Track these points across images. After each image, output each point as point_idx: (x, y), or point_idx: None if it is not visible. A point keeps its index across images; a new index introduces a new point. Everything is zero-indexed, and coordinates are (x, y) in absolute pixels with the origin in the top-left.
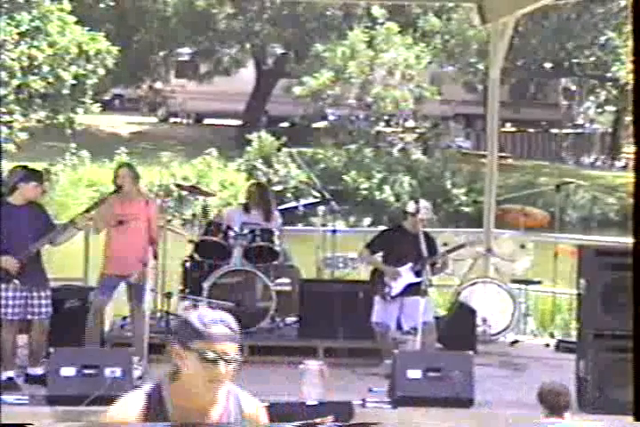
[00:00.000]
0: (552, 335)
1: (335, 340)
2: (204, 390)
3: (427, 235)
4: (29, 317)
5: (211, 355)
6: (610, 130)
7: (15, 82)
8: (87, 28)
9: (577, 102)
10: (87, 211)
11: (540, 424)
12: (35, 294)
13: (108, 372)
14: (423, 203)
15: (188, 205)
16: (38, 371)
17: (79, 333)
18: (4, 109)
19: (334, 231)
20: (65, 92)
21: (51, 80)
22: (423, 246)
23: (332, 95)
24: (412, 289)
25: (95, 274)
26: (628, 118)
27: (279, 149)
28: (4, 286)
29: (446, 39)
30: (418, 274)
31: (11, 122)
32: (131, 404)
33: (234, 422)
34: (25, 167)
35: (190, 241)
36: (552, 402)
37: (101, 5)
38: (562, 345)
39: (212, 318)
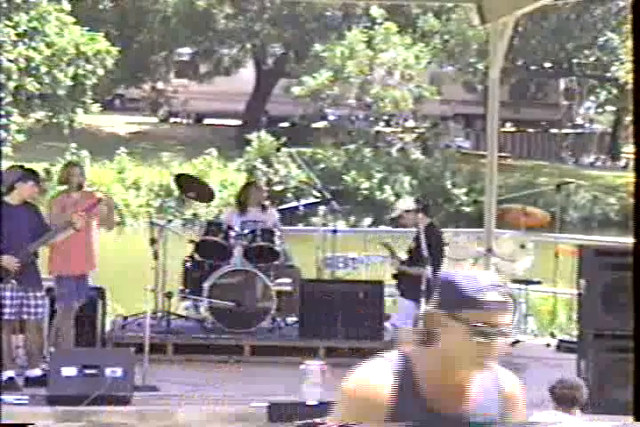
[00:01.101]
0: (553, 335)
1: (336, 340)
2: (469, 366)
3: (432, 230)
4: (25, 317)
5: (485, 328)
6: (610, 130)
7: (12, 84)
8: (87, 29)
9: (577, 102)
10: (85, 211)
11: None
12: (30, 294)
13: (108, 372)
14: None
15: (188, 205)
16: (36, 372)
17: (79, 332)
18: (2, 112)
19: (335, 231)
20: (62, 92)
21: (47, 81)
22: (423, 244)
23: (332, 95)
24: (401, 288)
25: (94, 274)
26: (628, 118)
27: (279, 149)
28: (1, 285)
29: (446, 39)
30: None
31: (7, 124)
32: (378, 376)
33: (490, 401)
34: (21, 167)
35: (190, 241)
36: (560, 395)
37: (101, 6)
38: (562, 345)
39: (485, 282)
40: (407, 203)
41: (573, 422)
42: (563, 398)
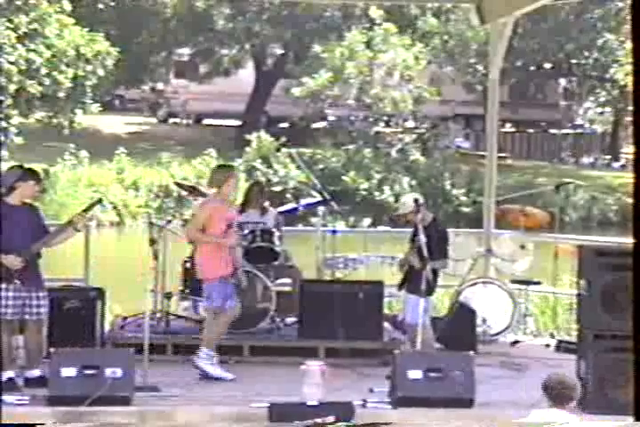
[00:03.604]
0: (552, 336)
1: (335, 340)
2: None
3: (438, 225)
4: (27, 317)
5: None
6: (609, 130)
7: (13, 86)
8: (87, 29)
9: (576, 103)
10: (85, 211)
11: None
12: (33, 294)
13: (108, 372)
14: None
15: (188, 206)
16: (36, 373)
17: (79, 333)
18: (1, 115)
19: (334, 232)
20: (62, 94)
21: (48, 83)
22: (422, 241)
23: (331, 96)
24: (407, 284)
25: (94, 274)
26: (628, 119)
27: (278, 150)
28: (4, 285)
29: (445, 40)
30: (411, 267)
31: (6, 128)
32: None
33: None
34: (21, 167)
35: (190, 242)
36: (555, 392)
37: (101, 6)
38: (562, 345)
39: None
40: (413, 198)
41: (579, 422)
42: (559, 396)
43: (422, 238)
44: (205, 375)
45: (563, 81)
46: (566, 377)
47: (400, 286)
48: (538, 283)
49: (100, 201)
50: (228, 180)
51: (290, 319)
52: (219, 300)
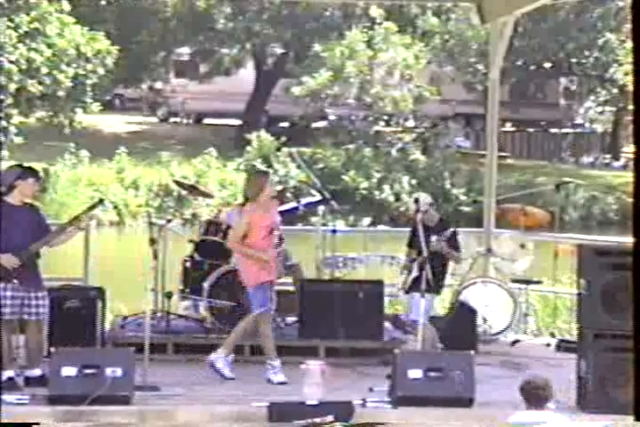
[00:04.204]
0: (553, 335)
1: (336, 340)
2: None
3: (445, 224)
4: (26, 317)
5: None
6: (610, 129)
7: (13, 86)
8: (87, 28)
9: (577, 102)
10: (89, 210)
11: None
12: (32, 294)
13: (108, 372)
14: (422, 196)
15: (188, 205)
16: (36, 372)
17: (79, 332)
18: (1, 114)
19: (334, 231)
20: (62, 94)
21: (48, 82)
22: (421, 240)
23: (331, 95)
24: (415, 285)
25: (94, 274)
26: (628, 118)
27: (279, 149)
28: (2, 285)
29: (445, 39)
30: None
31: (6, 127)
32: None
33: None
34: (20, 166)
35: (190, 241)
36: (531, 394)
37: (103, 2)
38: (562, 345)
39: None
40: (425, 198)
41: (558, 421)
42: (533, 397)
43: (422, 237)
44: (221, 375)
45: (563, 80)
46: (536, 378)
47: (407, 291)
48: (538, 282)
49: (101, 201)
50: (265, 187)
51: (290, 319)
52: (257, 306)
